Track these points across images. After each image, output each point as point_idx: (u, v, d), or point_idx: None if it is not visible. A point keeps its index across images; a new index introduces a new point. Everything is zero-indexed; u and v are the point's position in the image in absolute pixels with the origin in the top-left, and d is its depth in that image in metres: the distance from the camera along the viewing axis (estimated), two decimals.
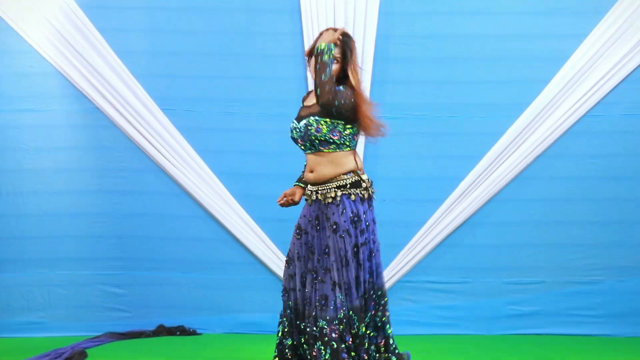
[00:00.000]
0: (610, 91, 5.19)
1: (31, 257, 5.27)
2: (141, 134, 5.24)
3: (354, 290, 3.80)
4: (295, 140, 3.92)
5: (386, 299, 3.90)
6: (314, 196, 3.89)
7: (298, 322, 3.90)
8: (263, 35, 5.23)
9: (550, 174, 5.26)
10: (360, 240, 3.82)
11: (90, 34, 5.22)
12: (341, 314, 3.75)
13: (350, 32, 5.22)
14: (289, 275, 3.91)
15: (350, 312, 3.79)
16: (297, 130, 3.86)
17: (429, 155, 5.29)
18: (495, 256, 5.29)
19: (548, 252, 5.28)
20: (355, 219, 3.81)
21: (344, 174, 3.84)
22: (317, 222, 3.88)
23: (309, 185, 3.93)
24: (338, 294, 3.76)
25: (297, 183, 4.06)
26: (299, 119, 3.88)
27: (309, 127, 3.81)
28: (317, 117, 3.80)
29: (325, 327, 3.73)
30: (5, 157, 5.26)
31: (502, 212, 5.28)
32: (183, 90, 5.25)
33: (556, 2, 5.25)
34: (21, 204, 5.28)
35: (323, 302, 3.75)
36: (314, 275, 3.83)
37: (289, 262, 3.92)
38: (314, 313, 3.77)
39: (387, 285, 5.29)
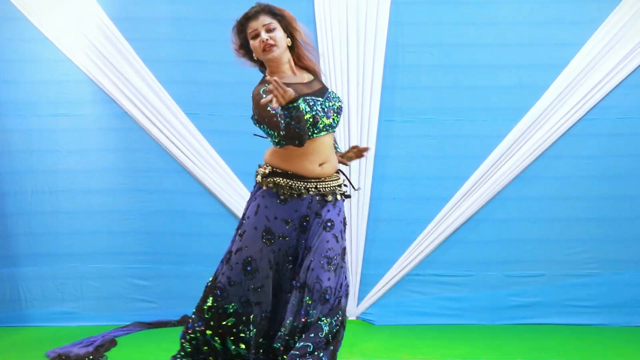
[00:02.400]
0: (605, 96, 5.21)
1: (65, 251, 5.30)
2: (167, 136, 5.31)
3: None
4: (317, 120, 3.21)
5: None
6: (310, 192, 3.28)
7: (261, 340, 3.26)
8: None
9: (549, 174, 5.28)
10: (345, 244, 3.38)
11: (119, 44, 5.25)
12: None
13: (361, 40, 5.18)
14: (254, 288, 3.24)
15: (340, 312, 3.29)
16: (335, 100, 3.30)
17: (435, 156, 5.32)
18: (497, 251, 5.32)
19: (547, 247, 5.30)
20: (344, 222, 3.38)
21: (338, 169, 3.39)
22: (302, 222, 3.28)
23: (301, 181, 3.27)
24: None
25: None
26: (313, 94, 3.27)
27: (339, 99, 3.34)
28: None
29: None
30: (42, 158, 5.29)
31: (504, 210, 5.31)
32: (205, 95, 5.28)
33: (554, 13, 5.25)
34: (56, 202, 5.30)
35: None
36: (294, 282, 3.25)
37: (252, 272, 3.25)
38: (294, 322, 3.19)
39: (397, 278, 5.34)
